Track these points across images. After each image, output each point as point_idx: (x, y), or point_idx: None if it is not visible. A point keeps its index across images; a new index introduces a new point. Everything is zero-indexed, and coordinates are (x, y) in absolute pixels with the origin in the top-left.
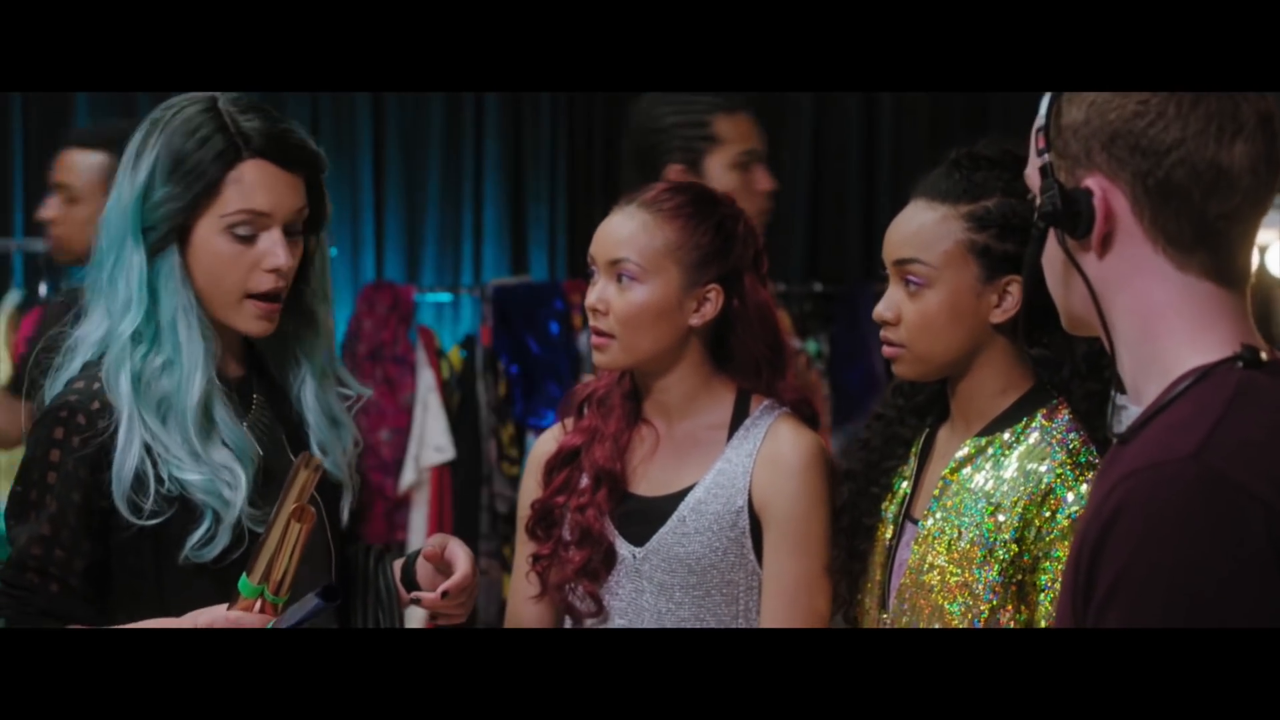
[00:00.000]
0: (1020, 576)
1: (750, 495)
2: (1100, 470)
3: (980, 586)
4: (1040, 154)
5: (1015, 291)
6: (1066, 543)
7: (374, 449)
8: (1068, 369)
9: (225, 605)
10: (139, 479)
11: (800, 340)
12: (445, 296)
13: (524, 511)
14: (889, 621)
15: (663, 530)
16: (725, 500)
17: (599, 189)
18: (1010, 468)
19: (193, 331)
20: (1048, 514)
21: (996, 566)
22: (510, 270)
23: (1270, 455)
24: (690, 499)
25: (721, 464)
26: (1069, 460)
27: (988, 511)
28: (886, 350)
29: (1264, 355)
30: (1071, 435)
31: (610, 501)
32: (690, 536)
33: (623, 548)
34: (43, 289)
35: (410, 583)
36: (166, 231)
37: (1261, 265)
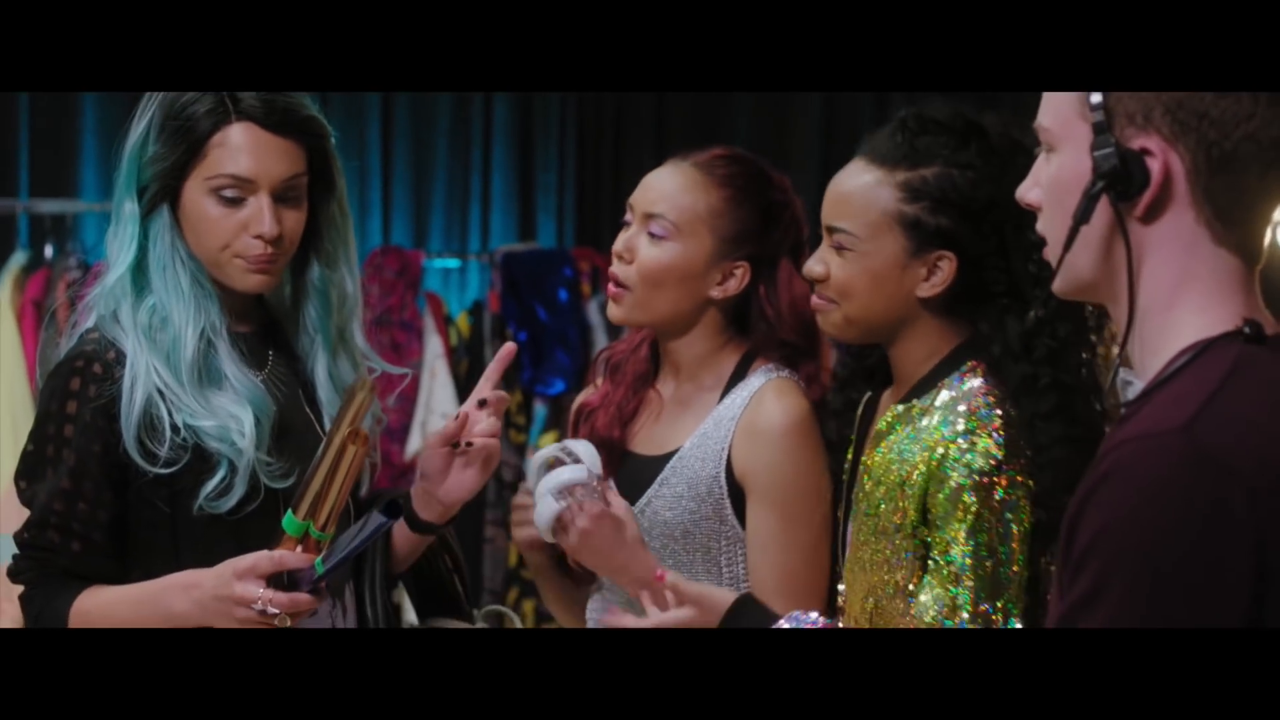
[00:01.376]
0: (922, 549)
1: (729, 461)
2: (1105, 441)
3: (896, 559)
4: (1095, 109)
5: (945, 267)
6: (955, 514)
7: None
8: (999, 347)
9: (266, 550)
10: (151, 425)
11: None
12: (453, 262)
13: None
14: (843, 598)
15: (649, 491)
16: (702, 464)
17: (607, 157)
18: (918, 438)
19: (182, 286)
20: (937, 482)
21: (907, 541)
22: (518, 237)
23: (1261, 431)
24: (673, 461)
25: (706, 427)
26: (967, 425)
27: (897, 485)
28: (814, 302)
29: (1268, 330)
30: (980, 399)
31: (609, 466)
32: (670, 500)
33: None
34: (48, 250)
35: (414, 520)
36: (157, 190)
37: (1273, 242)
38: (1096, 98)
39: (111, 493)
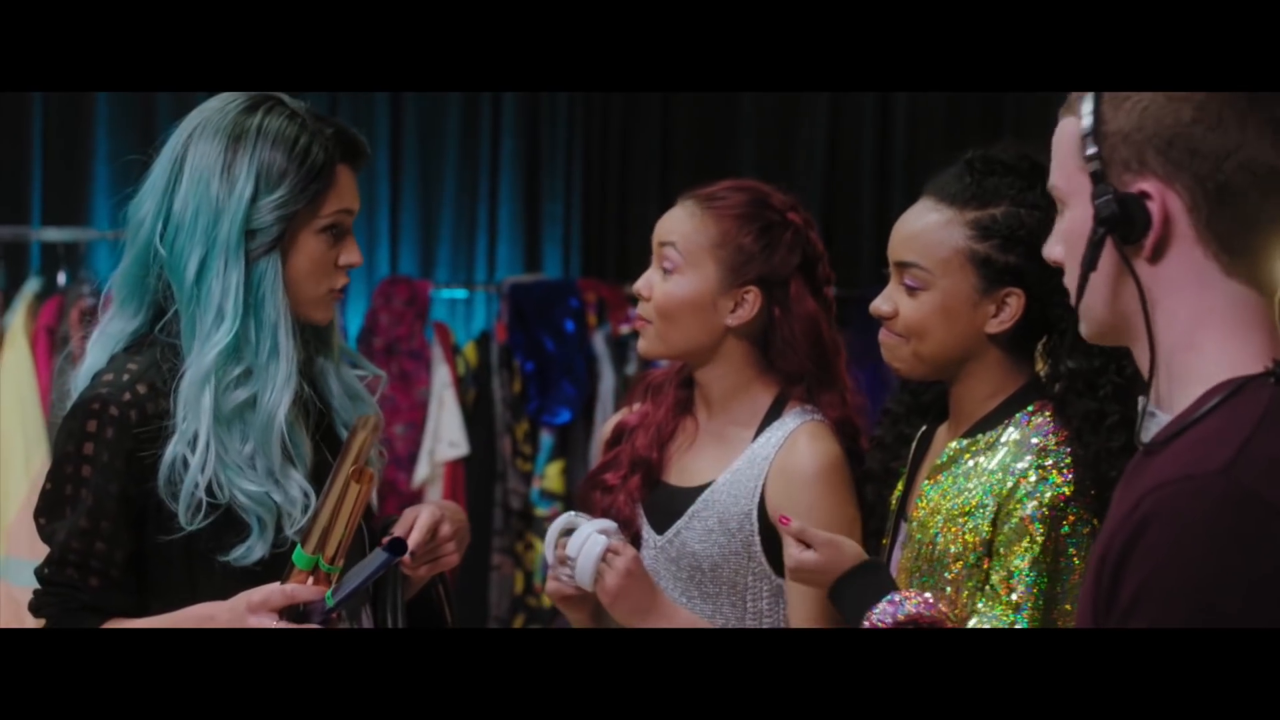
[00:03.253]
0: (982, 579)
1: (763, 501)
2: (1126, 479)
3: (953, 591)
4: (1090, 160)
5: (1014, 303)
6: (1018, 545)
7: (388, 443)
8: (1063, 384)
9: (278, 583)
10: (190, 484)
11: None
12: (460, 293)
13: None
14: None
15: (679, 522)
16: (734, 501)
17: (614, 188)
18: (984, 471)
19: (290, 338)
20: (1005, 515)
21: (965, 570)
22: (524, 267)
23: None
24: (706, 494)
25: (740, 464)
26: (1038, 461)
27: (959, 514)
28: (883, 337)
29: None
30: (1048, 437)
31: (643, 489)
32: (700, 533)
33: (647, 533)
34: (61, 278)
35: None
36: (274, 236)
37: None
38: (1091, 148)
39: (128, 531)
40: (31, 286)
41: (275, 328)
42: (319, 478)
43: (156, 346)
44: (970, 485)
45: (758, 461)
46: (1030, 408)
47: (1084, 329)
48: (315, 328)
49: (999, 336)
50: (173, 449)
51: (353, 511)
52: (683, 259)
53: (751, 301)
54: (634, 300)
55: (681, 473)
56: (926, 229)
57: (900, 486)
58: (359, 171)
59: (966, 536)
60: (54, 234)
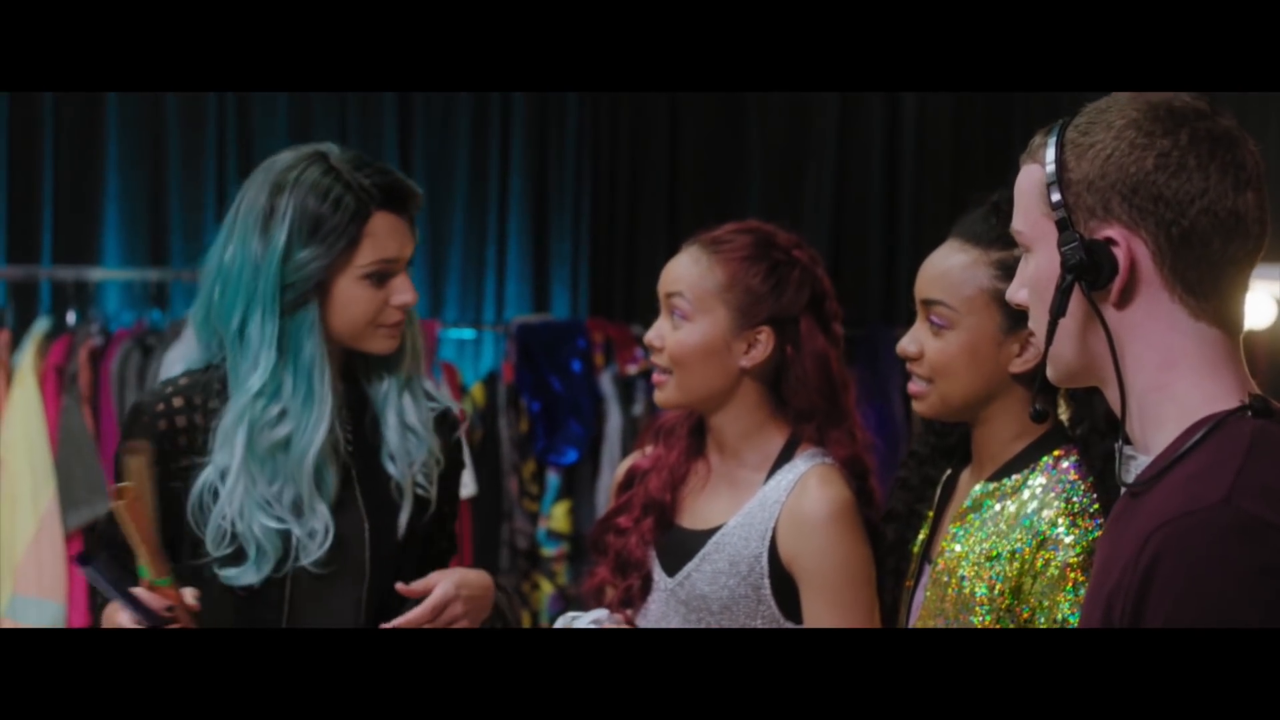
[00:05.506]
0: (1014, 626)
1: (775, 545)
2: (1114, 521)
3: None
4: (1056, 208)
5: (1038, 343)
6: (1060, 594)
7: None
8: (1086, 426)
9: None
10: (218, 515)
11: None
12: (468, 333)
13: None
14: None
15: (689, 564)
16: (745, 543)
17: (622, 228)
18: (1011, 515)
19: (325, 383)
20: (1041, 563)
21: (993, 616)
22: (533, 307)
23: None
24: (717, 537)
25: (751, 507)
26: (1067, 508)
27: (986, 559)
28: (911, 387)
29: (1273, 404)
30: (1075, 483)
31: (656, 530)
32: (710, 575)
33: (658, 575)
34: (70, 317)
35: None
36: (309, 289)
37: None
38: (1056, 196)
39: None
40: (41, 326)
41: (310, 373)
42: (345, 507)
43: (214, 373)
44: (997, 530)
45: (769, 505)
46: (1056, 451)
47: (1051, 373)
48: (375, 356)
49: (1023, 376)
50: (205, 477)
51: (133, 528)
52: (692, 306)
53: (765, 341)
54: (640, 340)
55: (694, 515)
56: (952, 269)
57: (925, 529)
58: (409, 215)
59: (995, 581)
60: (63, 273)
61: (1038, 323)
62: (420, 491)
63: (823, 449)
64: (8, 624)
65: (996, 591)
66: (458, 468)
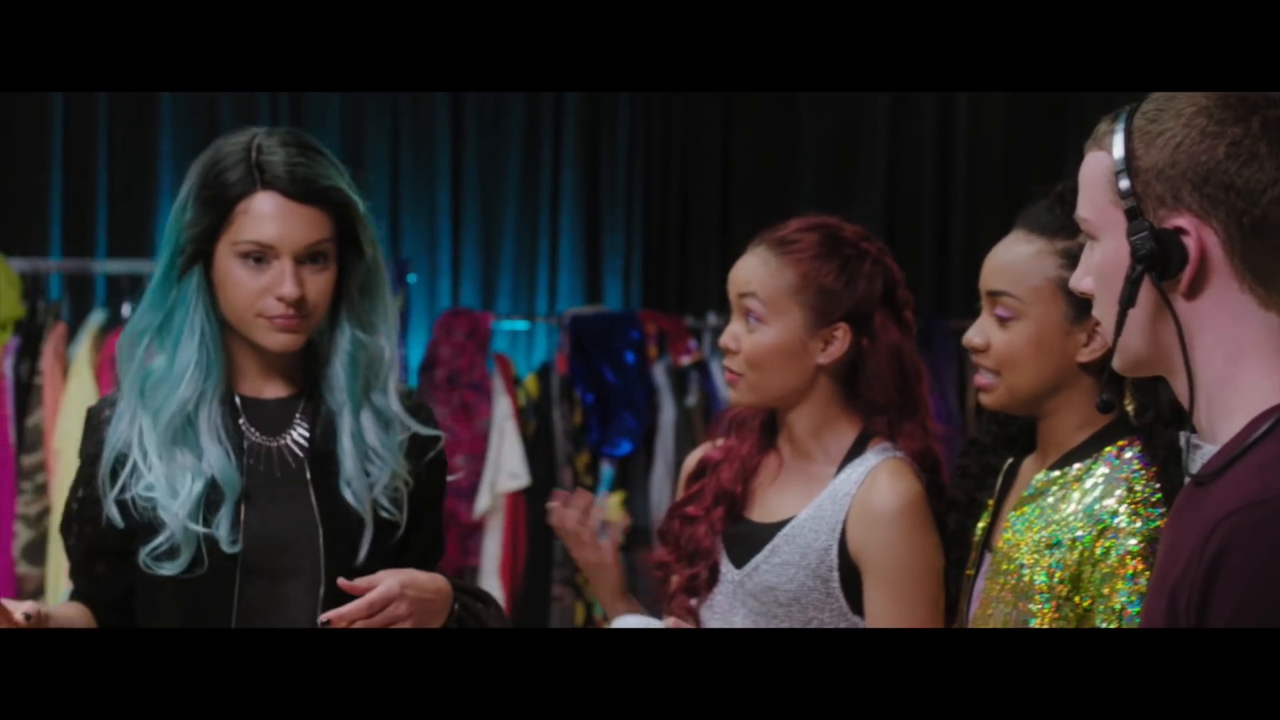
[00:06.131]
0: (1073, 614)
1: (844, 538)
2: (1179, 511)
3: (1037, 623)
4: (1125, 196)
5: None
6: (1119, 581)
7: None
8: (1150, 415)
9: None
10: (118, 483)
11: None
12: (522, 324)
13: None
14: None
15: (758, 557)
16: (815, 536)
17: (674, 220)
18: (1073, 504)
19: (191, 347)
20: (1101, 550)
21: (1053, 604)
22: (585, 299)
23: None
24: (786, 530)
25: (821, 500)
26: (1129, 497)
27: (1046, 547)
28: (978, 380)
29: None
30: (1138, 472)
31: (726, 521)
32: (779, 567)
33: (725, 567)
34: (125, 309)
35: None
36: (192, 253)
37: None
38: (1125, 183)
39: (103, 562)
40: (96, 318)
41: (179, 335)
42: (288, 522)
43: None
44: (1058, 518)
45: (839, 498)
46: (1120, 441)
47: (1118, 362)
48: (322, 368)
49: (1090, 366)
50: (108, 438)
51: None
52: (766, 309)
53: (841, 338)
54: (695, 331)
55: (764, 508)
56: (1018, 260)
57: (986, 517)
58: (312, 204)
59: (1055, 570)
60: (118, 266)
61: (1103, 311)
62: (385, 514)
63: (893, 443)
64: None
65: (1056, 579)
66: (438, 483)
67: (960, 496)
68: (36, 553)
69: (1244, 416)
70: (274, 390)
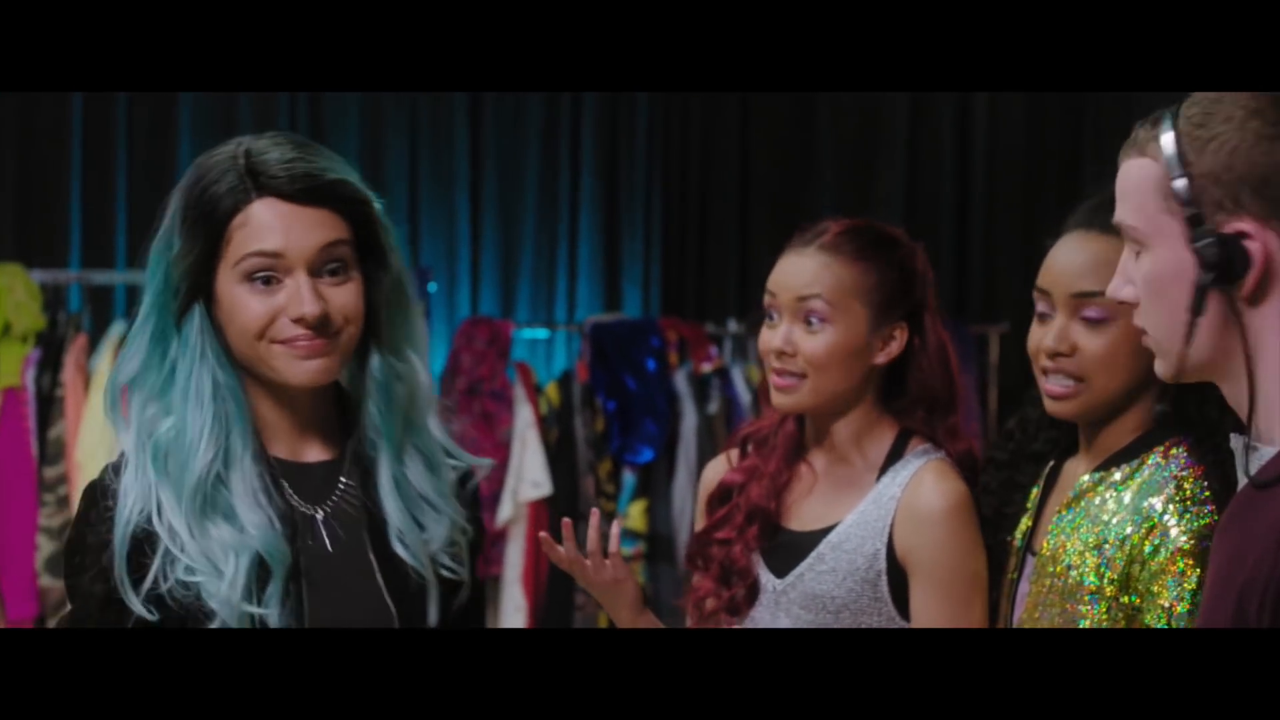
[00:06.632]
0: (1122, 615)
1: (891, 541)
2: (1239, 514)
3: (1087, 623)
4: (1186, 203)
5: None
6: (1165, 579)
7: None
8: (1202, 417)
9: None
10: (155, 569)
11: None
12: (542, 332)
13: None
14: None
15: (802, 565)
16: (863, 541)
17: (693, 226)
18: (1122, 503)
19: (206, 400)
20: (1150, 549)
21: (1103, 604)
22: (604, 306)
23: None
24: (832, 536)
25: (866, 505)
26: (1178, 495)
27: (1094, 547)
28: (1052, 387)
29: None
30: (1185, 471)
31: (761, 538)
32: (826, 574)
33: (765, 578)
34: None
35: None
36: (188, 288)
37: None
38: (1181, 183)
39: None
40: (117, 330)
41: (186, 389)
42: (351, 602)
43: None
44: (1105, 518)
45: (884, 501)
46: (1167, 442)
47: (1171, 369)
48: (371, 409)
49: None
50: (118, 518)
51: None
52: (831, 309)
53: (900, 337)
54: (715, 338)
55: (802, 518)
56: (1102, 260)
57: (1027, 520)
58: (314, 203)
59: (1103, 570)
60: (139, 277)
61: (1154, 320)
62: (448, 573)
63: (933, 444)
64: None
65: (1105, 580)
66: (477, 519)
67: (987, 514)
68: (61, 565)
69: None
70: (314, 452)
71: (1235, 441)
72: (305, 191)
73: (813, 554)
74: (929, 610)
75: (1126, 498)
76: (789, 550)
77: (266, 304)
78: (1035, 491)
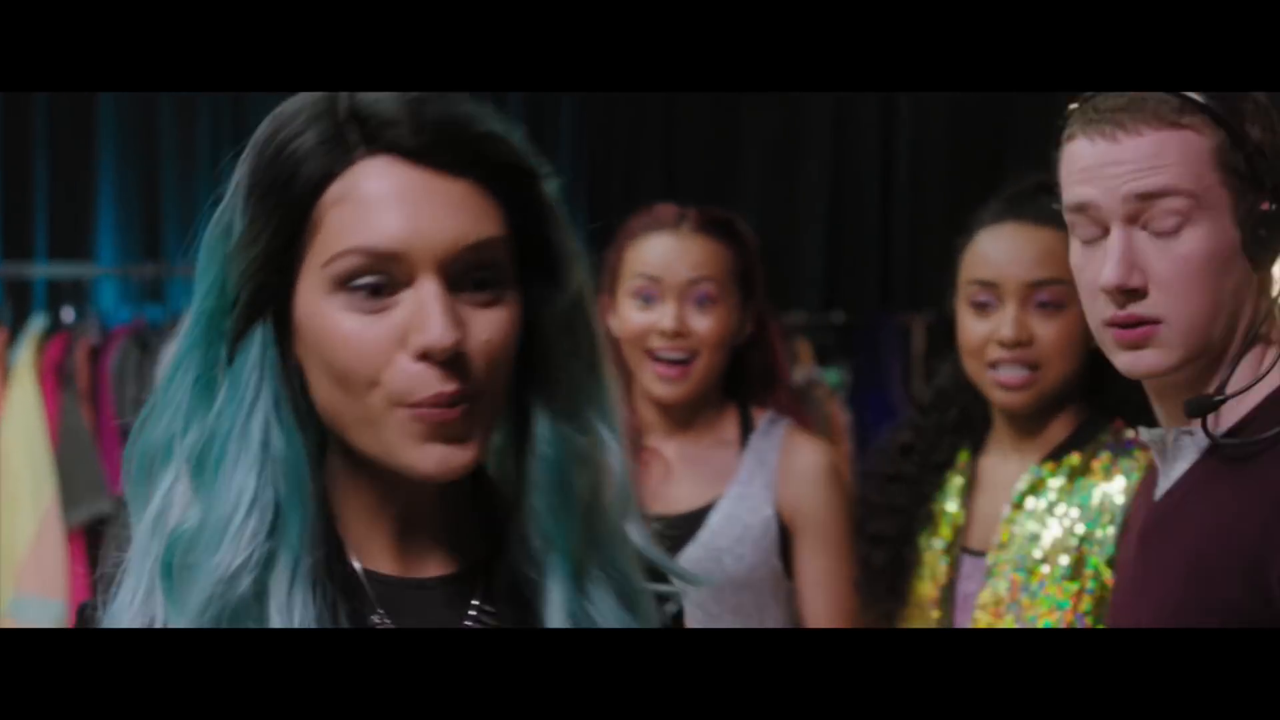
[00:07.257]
0: (1090, 603)
1: (778, 505)
2: (1205, 487)
3: (1074, 614)
4: (1244, 177)
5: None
6: None
7: None
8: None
9: None
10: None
11: (820, 370)
12: None
13: None
14: None
15: (691, 547)
16: (752, 511)
17: (619, 219)
18: (1090, 491)
19: (257, 462)
20: (1117, 531)
21: (1069, 595)
22: None
23: None
24: (716, 515)
25: (743, 477)
26: (1140, 474)
27: (1057, 539)
28: (1006, 378)
29: None
30: (1137, 452)
31: None
32: (722, 551)
33: None
34: (69, 314)
35: None
36: (250, 298)
37: None
38: (1239, 160)
39: None
40: (38, 323)
41: (243, 441)
42: None
43: None
44: (1073, 504)
45: (762, 471)
46: (1111, 425)
47: (1170, 357)
48: (534, 500)
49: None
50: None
51: None
52: (719, 290)
53: (753, 318)
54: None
55: (668, 502)
56: (1050, 249)
57: (957, 519)
58: (464, 173)
59: (1068, 561)
60: (59, 270)
61: (1178, 304)
62: None
63: (775, 412)
64: (9, 623)
65: (1088, 561)
66: None
67: (900, 501)
68: None
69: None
70: (428, 563)
71: (1147, 433)
72: (441, 146)
73: (701, 536)
74: (822, 567)
75: (1091, 485)
76: (665, 537)
77: (373, 330)
78: (950, 498)
